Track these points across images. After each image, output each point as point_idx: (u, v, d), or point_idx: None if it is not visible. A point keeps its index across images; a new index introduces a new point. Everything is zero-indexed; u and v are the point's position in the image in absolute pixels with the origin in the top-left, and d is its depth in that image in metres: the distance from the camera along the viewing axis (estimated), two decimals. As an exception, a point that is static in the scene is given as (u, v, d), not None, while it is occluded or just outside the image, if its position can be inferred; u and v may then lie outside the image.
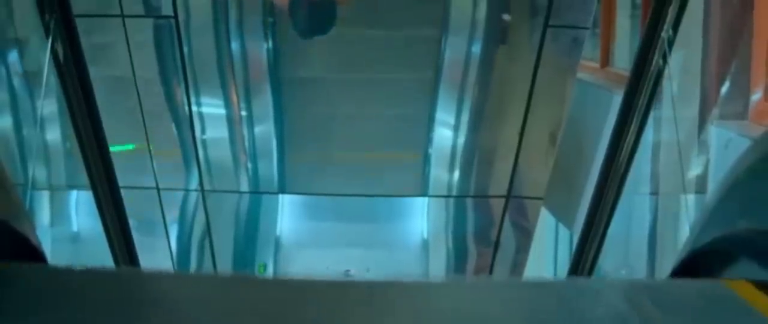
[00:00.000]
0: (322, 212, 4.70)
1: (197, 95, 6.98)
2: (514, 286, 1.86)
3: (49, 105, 5.43)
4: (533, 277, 7.78)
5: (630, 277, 5.96)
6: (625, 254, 6.19)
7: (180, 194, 7.47)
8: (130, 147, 6.97)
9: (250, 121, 7.22)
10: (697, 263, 1.91)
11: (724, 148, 4.61)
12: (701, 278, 1.77)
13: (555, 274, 10.57)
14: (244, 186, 7.49)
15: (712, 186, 4.69)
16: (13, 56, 6.16)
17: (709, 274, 1.84)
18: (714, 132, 4.84)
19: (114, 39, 6.57)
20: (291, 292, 1.47)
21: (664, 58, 4.03)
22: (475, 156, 7.52)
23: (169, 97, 7.06)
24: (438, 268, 7.94)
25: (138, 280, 1.52)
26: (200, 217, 7.49)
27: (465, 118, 7.26)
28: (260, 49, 6.91)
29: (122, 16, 6.43)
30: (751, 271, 1.72)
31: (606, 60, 7.83)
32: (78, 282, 1.42)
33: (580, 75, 7.24)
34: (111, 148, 4.40)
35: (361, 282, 1.42)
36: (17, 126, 6.11)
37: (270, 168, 7.45)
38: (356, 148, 7.39)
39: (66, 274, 1.51)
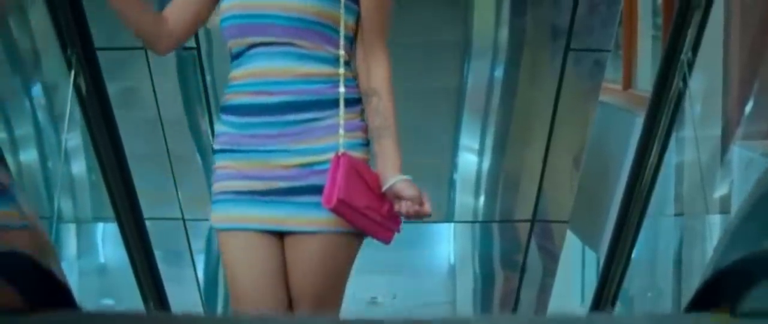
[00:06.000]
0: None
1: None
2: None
3: (73, 138, 5.46)
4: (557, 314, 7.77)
5: (656, 299, 5.94)
6: (651, 276, 6.17)
7: (206, 224, 7.48)
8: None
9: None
10: (720, 284, 1.90)
11: (745, 168, 4.59)
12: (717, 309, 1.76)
13: (582, 297, 10.54)
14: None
15: (735, 206, 4.68)
16: (36, 90, 6.20)
17: (732, 295, 1.83)
18: (736, 152, 4.82)
19: (138, 70, 6.60)
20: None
21: (684, 80, 4.02)
22: (500, 181, 7.51)
23: (193, 127, 7.09)
24: (465, 294, 7.93)
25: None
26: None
27: (489, 142, 7.26)
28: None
29: (145, 48, 6.45)
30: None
31: (628, 82, 7.81)
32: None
33: (602, 98, 7.23)
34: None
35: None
36: (43, 159, 6.14)
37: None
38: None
39: (98, 319, 1.50)
